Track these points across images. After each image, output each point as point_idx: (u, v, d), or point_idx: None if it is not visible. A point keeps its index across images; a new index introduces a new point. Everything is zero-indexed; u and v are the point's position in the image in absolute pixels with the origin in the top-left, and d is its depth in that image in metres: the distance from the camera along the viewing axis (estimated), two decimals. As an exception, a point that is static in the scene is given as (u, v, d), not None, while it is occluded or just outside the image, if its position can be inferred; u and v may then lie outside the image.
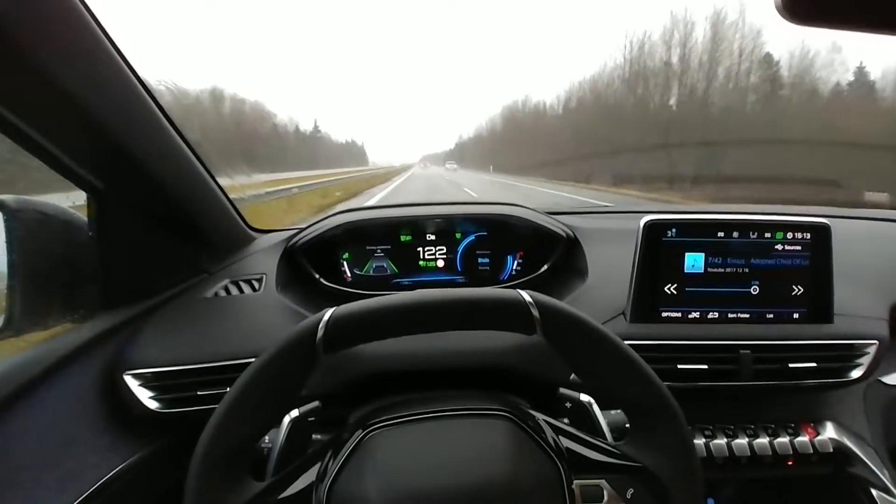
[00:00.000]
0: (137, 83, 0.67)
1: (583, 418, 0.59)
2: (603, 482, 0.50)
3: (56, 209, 0.75)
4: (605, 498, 0.49)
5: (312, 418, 0.57)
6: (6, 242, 0.68)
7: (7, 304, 0.68)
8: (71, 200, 0.80)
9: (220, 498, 0.44)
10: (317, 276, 0.95)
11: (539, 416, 0.54)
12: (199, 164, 0.82)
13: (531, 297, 0.49)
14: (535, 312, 0.48)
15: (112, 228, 0.76)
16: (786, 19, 0.49)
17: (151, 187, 0.75)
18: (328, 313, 0.48)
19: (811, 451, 0.79)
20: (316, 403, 0.57)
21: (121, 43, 0.64)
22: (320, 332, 0.47)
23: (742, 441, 0.78)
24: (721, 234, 0.76)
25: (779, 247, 0.77)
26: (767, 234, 0.76)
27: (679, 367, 0.75)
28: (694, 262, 0.76)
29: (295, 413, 0.57)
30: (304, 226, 0.98)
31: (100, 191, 0.73)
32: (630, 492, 0.49)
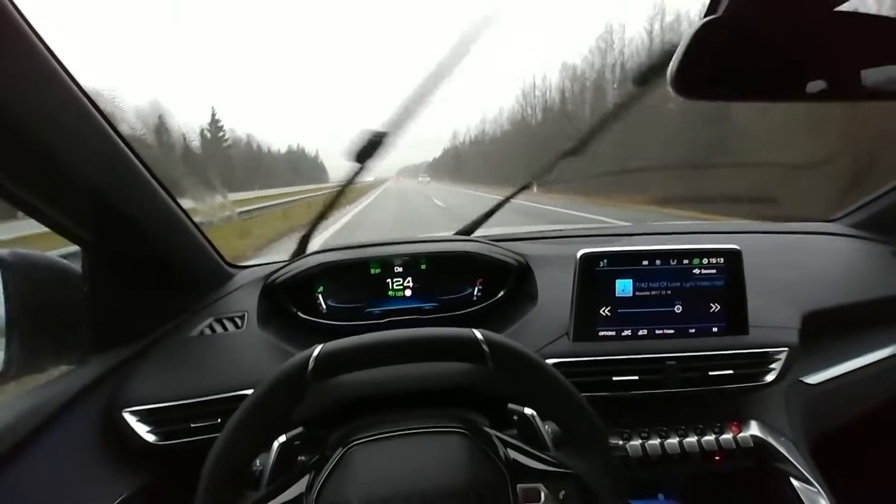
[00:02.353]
0: (113, 132, 0.71)
1: (528, 429, 0.70)
2: (540, 485, 0.60)
3: (49, 260, 0.81)
4: (542, 499, 0.59)
5: (297, 442, 0.66)
6: (4, 294, 0.74)
7: (6, 350, 0.74)
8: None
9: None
10: (295, 310, 1.03)
11: (491, 432, 0.66)
12: (175, 206, 0.87)
13: (482, 335, 0.61)
14: (486, 348, 0.60)
15: (102, 275, 0.83)
16: (678, 94, 0.61)
17: (137, 236, 0.82)
18: (317, 349, 0.58)
19: (735, 447, 0.90)
20: (300, 429, 0.66)
21: (88, 85, 0.65)
22: (311, 364, 0.57)
23: (673, 440, 0.89)
24: (646, 262, 0.87)
25: (696, 271, 0.88)
26: (686, 261, 0.88)
27: (614, 378, 0.86)
28: (624, 287, 0.87)
29: (282, 438, 0.65)
30: (278, 262, 1.06)
31: (88, 242, 0.80)
32: (562, 493, 0.60)
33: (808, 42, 0.56)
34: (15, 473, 0.64)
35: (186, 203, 0.91)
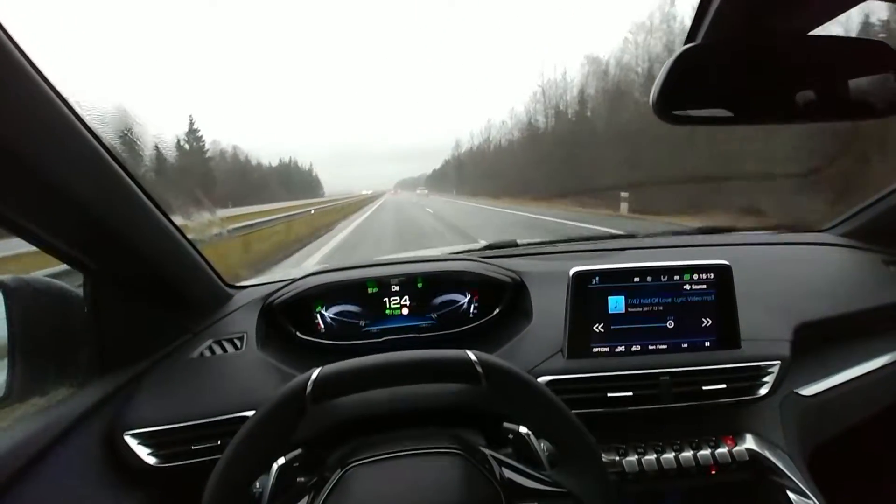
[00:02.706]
0: (110, 157, 0.71)
1: (523, 447, 0.71)
2: None
3: (50, 284, 0.83)
4: None
5: (296, 464, 0.67)
6: (6, 319, 0.76)
7: (8, 374, 0.75)
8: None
9: None
10: (294, 331, 1.04)
11: (487, 451, 0.67)
12: (173, 228, 0.88)
13: (475, 356, 0.63)
14: (479, 369, 0.62)
15: (104, 300, 0.85)
16: (661, 119, 0.63)
17: (137, 261, 0.83)
18: (315, 372, 0.60)
19: (730, 461, 0.91)
20: (299, 450, 0.67)
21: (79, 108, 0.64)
22: (309, 388, 0.59)
23: (669, 455, 0.90)
24: (637, 278, 0.89)
25: (687, 286, 0.90)
26: (676, 277, 0.89)
27: (609, 395, 0.87)
28: (616, 303, 0.89)
29: (281, 460, 0.66)
30: (279, 284, 1.08)
31: (90, 269, 0.81)
32: None
33: (784, 65, 0.59)
34: (18, 498, 0.65)
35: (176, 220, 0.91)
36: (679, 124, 0.64)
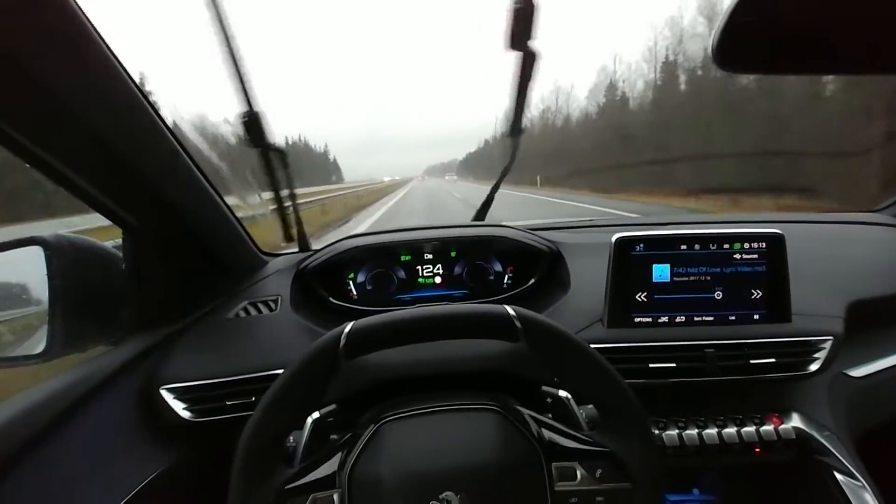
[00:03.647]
0: (161, 123, 0.75)
1: (563, 411, 0.68)
2: (576, 464, 0.59)
3: (90, 243, 0.84)
4: (579, 477, 0.58)
5: (331, 419, 0.65)
6: (47, 276, 0.77)
7: (48, 330, 0.77)
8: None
9: (260, 480, 0.54)
10: (327, 295, 1.04)
11: (525, 410, 0.64)
12: (215, 194, 0.91)
13: (514, 311, 0.59)
14: (518, 324, 0.59)
15: (144, 259, 0.85)
16: (721, 68, 0.59)
17: (179, 221, 0.85)
18: (348, 326, 0.58)
19: (776, 439, 0.87)
20: (333, 406, 0.66)
21: (138, 77, 0.71)
22: (343, 342, 0.57)
23: (711, 431, 0.86)
24: (684, 246, 0.85)
25: (737, 256, 0.85)
26: (726, 245, 0.85)
27: (650, 366, 0.84)
28: (661, 272, 0.85)
29: (316, 415, 0.65)
30: (312, 250, 1.07)
31: (134, 227, 0.82)
32: (599, 472, 0.58)
33: (852, 8, 0.54)
34: (55, 446, 0.66)
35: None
36: (739, 72, 0.60)
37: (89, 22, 0.60)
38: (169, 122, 0.77)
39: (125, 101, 0.68)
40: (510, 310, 0.59)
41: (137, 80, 0.69)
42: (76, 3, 0.58)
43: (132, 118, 0.70)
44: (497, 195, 1.23)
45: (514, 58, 0.93)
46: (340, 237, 1.08)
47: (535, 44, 0.91)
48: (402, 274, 1.07)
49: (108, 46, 0.63)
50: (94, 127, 0.64)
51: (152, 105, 0.72)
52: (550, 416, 0.67)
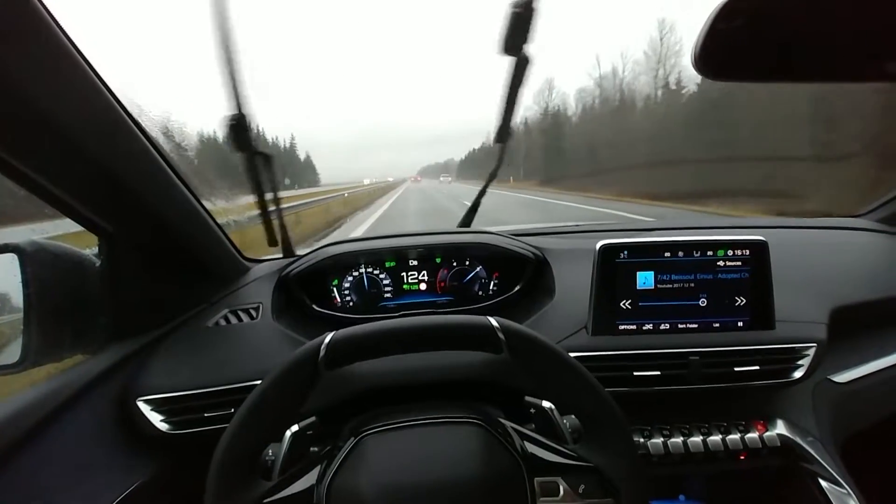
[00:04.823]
0: (135, 127, 0.73)
1: (546, 422, 0.68)
2: (559, 479, 0.58)
3: (66, 249, 0.82)
4: (561, 493, 0.57)
5: (310, 432, 0.64)
6: (22, 283, 0.75)
7: (24, 339, 0.75)
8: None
9: (235, 495, 0.52)
10: (310, 302, 1.02)
11: (508, 423, 0.63)
12: (194, 200, 0.89)
13: (497, 322, 0.59)
14: (501, 335, 0.58)
15: (120, 266, 0.84)
16: (702, 75, 0.59)
17: (156, 226, 0.83)
18: (329, 336, 0.57)
19: (760, 446, 0.87)
20: (313, 419, 0.65)
21: (112, 81, 0.67)
22: (322, 352, 0.56)
23: (696, 438, 0.86)
24: (668, 253, 0.85)
25: (721, 263, 0.85)
26: (710, 252, 0.85)
27: (635, 374, 0.83)
28: (645, 279, 0.85)
29: (295, 428, 0.64)
30: (295, 256, 1.06)
31: (108, 233, 0.80)
32: (582, 487, 0.57)
33: (834, 17, 0.53)
34: (29, 458, 0.64)
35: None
36: (720, 80, 0.60)
37: (56, 22, 0.58)
38: (144, 124, 0.75)
39: (96, 103, 0.66)
40: (493, 321, 0.59)
41: (110, 83, 0.67)
42: (43, 3, 0.56)
43: (104, 121, 0.68)
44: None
45: (507, 60, 0.90)
46: (324, 244, 1.07)
47: (530, 48, 0.88)
48: (386, 280, 1.06)
49: (76, 47, 0.61)
50: (65, 131, 0.62)
51: (125, 107, 0.70)
52: (533, 426, 0.66)
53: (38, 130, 0.61)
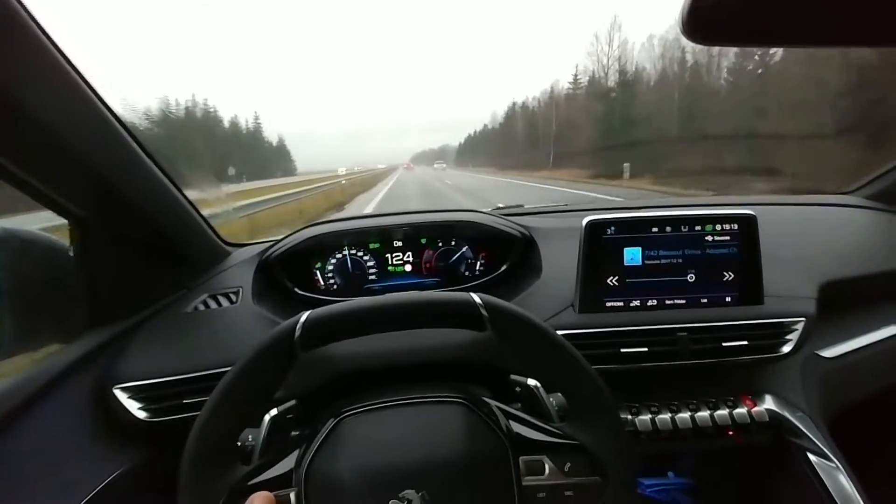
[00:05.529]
0: (106, 109, 0.71)
1: (532, 401, 0.66)
2: (545, 458, 0.57)
3: (38, 236, 0.80)
4: (546, 471, 0.56)
5: (290, 415, 0.63)
6: None
7: None
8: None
9: (210, 480, 0.51)
10: (291, 286, 1.00)
11: (492, 402, 0.62)
12: (170, 184, 0.86)
13: (480, 298, 0.57)
14: (484, 312, 0.56)
15: (94, 251, 0.81)
16: (690, 40, 0.57)
17: (129, 211, 0.80)
18: (304, 315, 0.55)
19: (749, 422, 0.87)
20: (293, 402, 0.63)
21: (80, 64, 0.66)
22: (298, 332, 0.54)
23: (685, 415, 0.86)
24: (655, 229, 0.83)
25: (709, 238, 0.84)
26: (698, 227, 0.84)
27: (622, 350, 0.82)
28: (632, 255, 0.84)
29: (274, 412, 0.62)
30: (276, 239, 1.04)
31: (80, 217, 0.78)
32: (567, 465, 0.56)
33: None
34: (4, 448, 0.63)
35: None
36: (708, 44, 0.57)
37: (23, 7, 0.56)
38: (114, 106, 0.72)
39: (61, 82, 0.63)
40: (476, 297, 0.57)
41: (77, 63, 0.65)
42: None
43: (72, 102, 0.65)
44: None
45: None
46: (304, 226, 1.04)
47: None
48: (370, 262, 1.04)
49: (41, 28, 0.59)
50: (31, 113, 0.60)
51: (94, 89, 0.68)
52: (519, 405, 0.65)
53: (3, 113, 0.58)
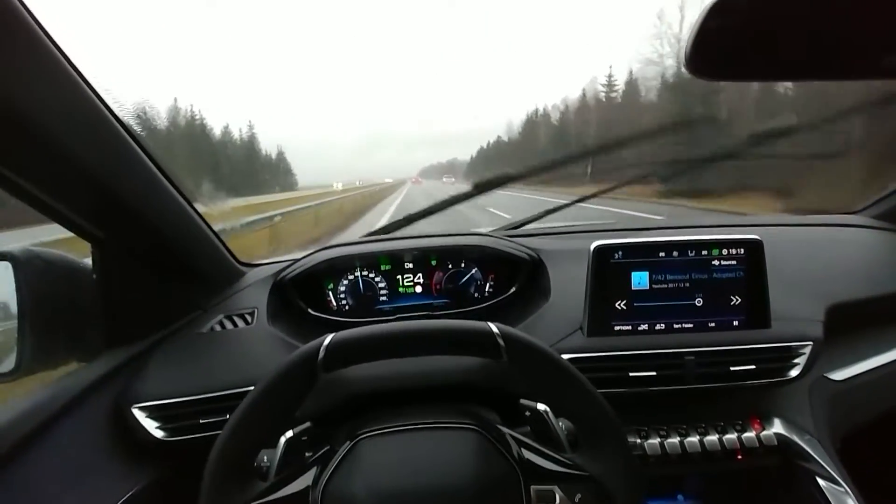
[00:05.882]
0: (124, 131, 0.72)
1: (541, 426, 0.68)
2: (555, 488, 0.58)
3: (60, 257, 0.82)
4: (557, 501, 0.57)
5: (305, 438, 0.64)
6: (16, 291, 0.75)
7: (17, 347, 0.75)
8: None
9: (230, 495, 0.52)
10: (305, 306, 1.02)
11: (505, 430, 0.64)
12: (187, 205, 0.88)
13: (497, 328, 0.59)
14: (501, 342, 0.58)
15: (113, 273, 0.83)
16: (694, 75, 0.58)
17: (148, 233, 0.82)
18: (328, 338, 0.57)
19: (757, 445, 0.87)
20: (308, 424, 0.65)
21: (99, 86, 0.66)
22: (321, 354, 0.56)
23: (693, 438, 0.86)
24: (662, 253, 0.84)
25: (715, 262, 0.85)
26: (704, 252, 0.85)
27: (631, 374, 0.83)
28: (640, 279, 0.85)
29: (289, 434, 0.64)
30: (290, 260, 1.06)
31: (101, 240, 0.80)
32: (578, 496, 0.57)
33: (826, 15, 0.53)
34: (24, 466, 0.64)
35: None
36: (711, 80, 0.59)
37: (41, 27, 0.57)
38: (132, 128, 0.74)
39: (83, 108, 0.65)
40: (493, 327, 0.59)
41: (95, 85, 0.66)
42: (25, 6, 0.55)
43: (91, 125, 0.67)
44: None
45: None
46: (320, 247, 1.07)
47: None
48: (381, 283, 1.06)
49: (59, 48, 0.60)
50: (52, 137, 0.62)
51: (111, 109, 0.69)
52: (528, 430, 0.66)
53: (25, 137, 0.60)
